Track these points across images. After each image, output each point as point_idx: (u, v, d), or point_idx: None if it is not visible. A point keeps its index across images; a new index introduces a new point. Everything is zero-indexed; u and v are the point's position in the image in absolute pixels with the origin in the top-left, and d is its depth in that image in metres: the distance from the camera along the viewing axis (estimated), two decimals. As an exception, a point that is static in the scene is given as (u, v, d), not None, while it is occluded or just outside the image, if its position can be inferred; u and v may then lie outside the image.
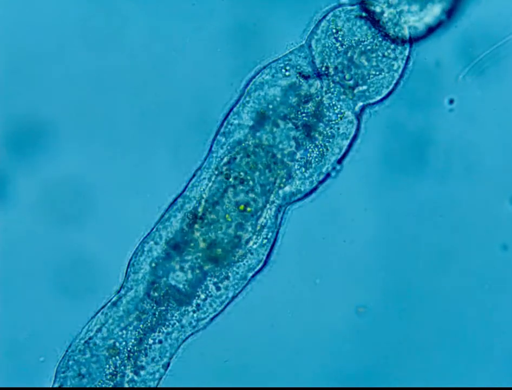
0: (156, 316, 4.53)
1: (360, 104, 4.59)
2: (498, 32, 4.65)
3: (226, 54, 4.67)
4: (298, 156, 4.55)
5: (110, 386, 4.52)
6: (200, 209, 4.53)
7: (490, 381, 4.71)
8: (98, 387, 4.48)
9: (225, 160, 4.54)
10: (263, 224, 4.54)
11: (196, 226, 4.53)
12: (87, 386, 4.48)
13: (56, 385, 4.50)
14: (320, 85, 4.55)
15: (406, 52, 4.56)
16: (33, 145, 4.63)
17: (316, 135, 4.55)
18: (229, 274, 4.55)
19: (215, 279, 4.54)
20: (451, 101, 4.64)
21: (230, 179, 4.53)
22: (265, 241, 4.56)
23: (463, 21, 4.62)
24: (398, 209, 4.71)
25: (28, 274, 4.65)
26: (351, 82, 4.56)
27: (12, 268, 4.65)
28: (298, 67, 4.56)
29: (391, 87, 4.59)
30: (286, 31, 4.64)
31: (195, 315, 4.56)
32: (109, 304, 4.56)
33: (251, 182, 4.53)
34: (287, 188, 4.56)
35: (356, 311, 4.69)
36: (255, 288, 4.63)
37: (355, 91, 4.56)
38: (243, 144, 4.54)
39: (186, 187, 4.59)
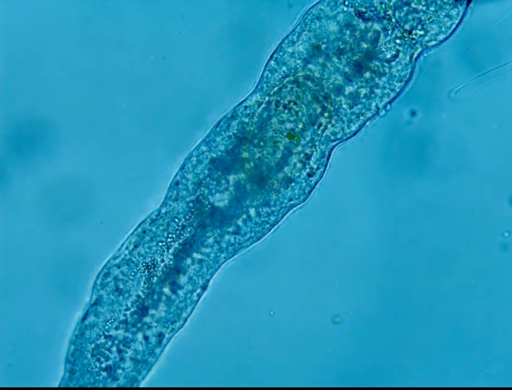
0: (196, 236, 4.59)
1: (417, 48, 4.56)
2: (498, 31, 4.64)
3: (225, 54, 4.67)
4: (347, 91, 4.54)
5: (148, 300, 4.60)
6: (247, 131, 4.56)
7: (490, 381, 4.70)
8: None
9: (275, 88, 4.55)
10: (309, 156, 4.55)
11: (243, 146, 4.56)
12: (124, 302, 4.56)
13: (93, 301, 4.59)
14: (377, 25, 4.52)
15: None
16: (33, 145, 4.64)
17: (368, 73, 4.54)
18: (271, 200, 4.58)
19: (256, 202, 4.57)
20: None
21: (280, 107, 4.54)
22: (310, 172, 4.57)
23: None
24: (398, 208, 4.69)
25: (27, 274, 4.67)
26: (407, 26, 4.53)
27: (11, 268, 4.67)
28: (357, 5, 4.53)
29: (448, 32, 4.55)
30: (285, 31, 4.63)
31: (234, 238, 4.61)
32: (148, 220, 4.62)
33: (299, 113, 4.54)
34: (334, 122, 4.56)
35: (333, 321, 4.70)
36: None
37: (412, 35, 4.53)
38: (293, 74, 4.54)
39: (235, 108, 4.62)
